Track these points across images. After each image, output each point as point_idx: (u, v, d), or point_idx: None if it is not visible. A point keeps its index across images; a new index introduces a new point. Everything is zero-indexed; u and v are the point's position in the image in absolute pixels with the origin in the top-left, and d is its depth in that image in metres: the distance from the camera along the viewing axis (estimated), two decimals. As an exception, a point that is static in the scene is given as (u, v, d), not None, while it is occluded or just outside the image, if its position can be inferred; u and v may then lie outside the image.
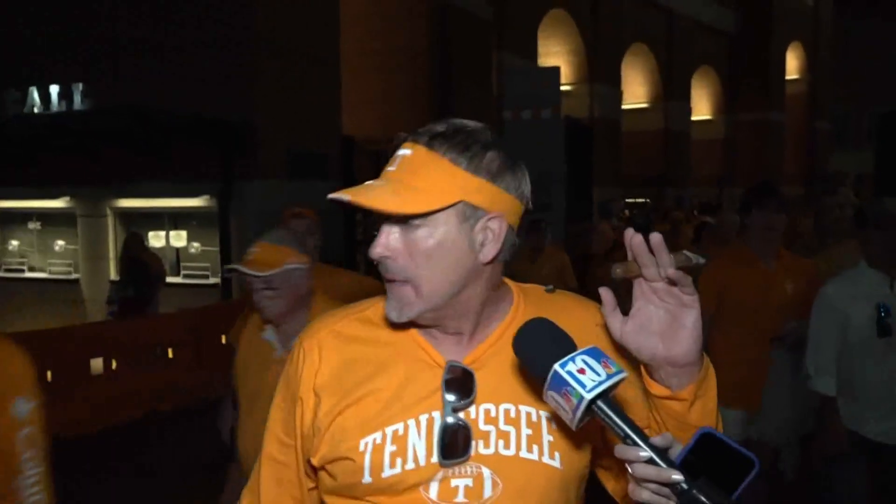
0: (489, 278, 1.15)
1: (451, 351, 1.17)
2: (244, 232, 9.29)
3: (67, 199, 11.13)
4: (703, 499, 0.85)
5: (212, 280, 10.34)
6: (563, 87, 11.61)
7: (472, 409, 1.13)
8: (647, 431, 1.22)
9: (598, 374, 0.91)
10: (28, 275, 11.90)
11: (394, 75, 13.50)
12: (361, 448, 1.13)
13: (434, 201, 1.09)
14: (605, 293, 1.03)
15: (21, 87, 10.37)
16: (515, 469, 1.11)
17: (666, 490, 0.88)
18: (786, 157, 26.80)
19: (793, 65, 28.36)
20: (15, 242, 12.15)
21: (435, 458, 1.10)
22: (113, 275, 10.76)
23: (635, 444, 0.90)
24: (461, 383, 1.13)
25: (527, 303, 1.23)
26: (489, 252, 1.12)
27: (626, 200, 18.49)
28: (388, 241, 1.12)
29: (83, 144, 9.68)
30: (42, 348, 6.22)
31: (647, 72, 22.91)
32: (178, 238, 10.63)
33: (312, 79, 10.03)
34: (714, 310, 3.45)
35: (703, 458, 0.89)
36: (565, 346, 0.96)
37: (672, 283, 0.98)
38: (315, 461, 1.19)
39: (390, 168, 1.13)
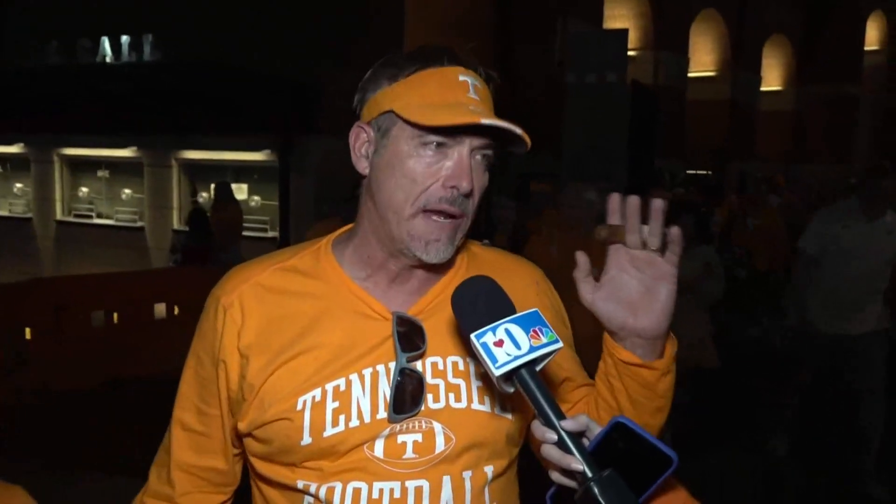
0: None
1: (395, 302, 1.10)
2: (304, 187, 9.43)
3: (135, 148, 11.45)
4: (598, 495, 0.79)
5: (270, 234, 10.56)
6: (628, 53, 11.32)
7: (419, 362, 1.07)
8: (579, 391, 1.19)
9: (518, 347, 0.85)
10: (96, 221, 12.34)
11: (454, 36, 13.37)
12: (299, 407, 1.04)
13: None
14: (581, 257, 1.00)
15: (93, 37, 10.64)
16: (468, 422, 1.07)
17: (571, 474, 0.84)
18: (860, 134, 25.72)
19: (873, 35, 27.04)
20: (84, 189, 12.59)
21: (381, 414, 1.04)
22: (176, 224, 11.07)
23: (548, 423, 0.85)
24: (409, 336, 1.07)
25: (469, 256, 1.18)
26: None
27: (687, 172, 18.07)
28: (473, 173, 1.04)
29: (151, 95, 9.91)
30: (110, 290, 6.48)
31: (715, 39, 22.14)
32: (240, 191, 10.87)
33: (374, 35, 10.02)
34: None
35: (618, 449, 0.83)
36: (496, 310, 0.90)
37: (663, 246, 0.95)
38: (242, 426, 1.09)
39: (474, 95, 1.05)
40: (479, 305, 0.91)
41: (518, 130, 1.00)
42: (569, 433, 0.84)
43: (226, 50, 9.35)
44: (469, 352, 1.07)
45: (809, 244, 4.34)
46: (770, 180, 10.87)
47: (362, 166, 1.10)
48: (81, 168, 12.55)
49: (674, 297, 0.98)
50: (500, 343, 0.86)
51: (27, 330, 5.94)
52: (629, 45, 13.52)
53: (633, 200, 0.95)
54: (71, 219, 12.56)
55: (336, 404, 1.04)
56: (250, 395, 1.07)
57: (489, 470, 1.09)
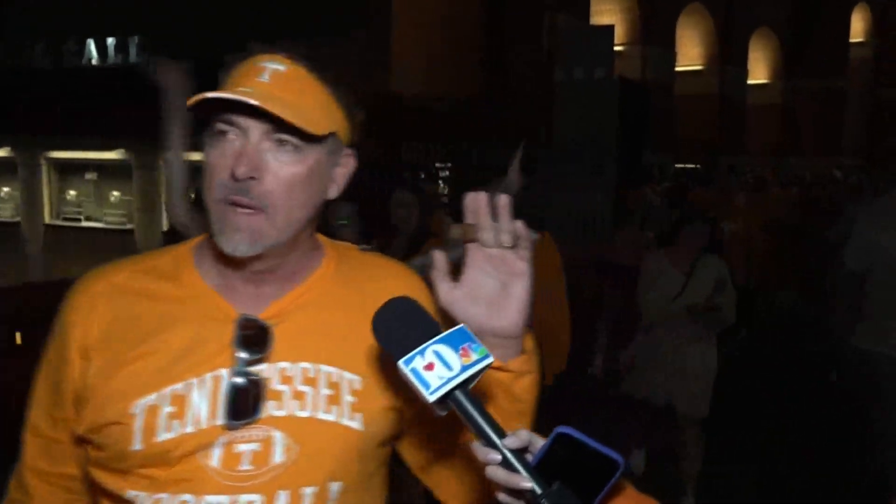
0: (317, 219, 1.09)
1: (249, 304, 1.05)
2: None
3: (122, 151, 11.39)
4: None
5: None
6: (615, 48, 11.35)
7: (267, 367, 1.02)
8: None
9: (450, 369, 0.82)
10: (84, 224, 12.27)
11: (444, 34, 13.37)
12: (134, 410, 0.99)
13: (322, 125, 1.00)
14: (439, 255, 0.97)
15: (79, 40, 10.57)
16: (311, 431, 1.01)
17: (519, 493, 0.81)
18: (847, 127, 25.88)
19: (858, 27, 27.23)
20: (72, 192, 12.52)
21: (219, 420, 0.99)
22: (166, 226, 11.02)
23: (490, 444, 0.81)
24: (256, 339, 1.02)
25: (340, 259, 1.14)
26: (335, 190, 1.07)
27: (676, 166, 18.14)
28: (259, 159, 0.98)
29: (138, 97, 9.87)
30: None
31: (702, 33, 22.23)
32: (229, 192, 10.82)
33: (363, 34, 10.01)
34: None
35: (563, 460, 0.80)
36: (421, 331, 0.85)
37: (512, 244, 0.93)
38: (80, 430, 1.04)
39: (260, 79, 1.00)
40: (402, 328, 0.86)
41: (264, 107, 0.94)
42: (513, 451, 0.81)
43: (214, 49, 9.32)
44: (322, 358, 1.05)
45: (853, 259, 3.57)
46: (749, 174, 10.48)
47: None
48: (69, 171, 12.48)
49: (529, 295, 0.96)
50: (430, 366, 0.82)
51: (17, 335, 5.90)
52: (616, 41, 13.59)
53: (481, 198, 0.93)
54: (59, 222, 12.48)
55: (172, 409, 0.99)
56: (91, 397, 1.03)
57: (335, 486, 1.04)
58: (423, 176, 10.79)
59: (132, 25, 10.31)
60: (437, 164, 11.06)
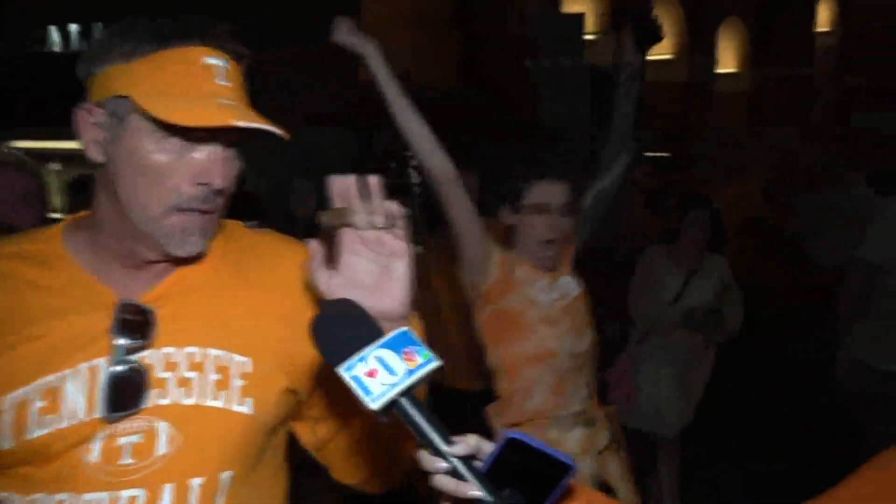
0: None
1: (129, 288, 1.01)
2: (259, 180, 9.33)
3: (87, 140, 11.25)
4: None
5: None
6: (586, 37, 11.37)
7: (150, 354, 0.98)
8: None
9: (393, 374, 0.79)
10: (49, 214, 12.07)
11: (412, 22, 13.27)
12: (2, 407, 0.94)
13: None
14: (313, 245, 0.95)
15: (41, 27, 10.35)
16: (197, 419, 0.98)
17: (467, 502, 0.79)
18: (813, 115, 26.19)
19: (824, 16, 27.54)
20: (36, 182, 12.31)
21: (98, 413, 0.94)
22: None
23: (436, 452, 0.79)
24: (137, 324, 0.98)
25: (227, 238, 1.10)
26: None
27: (645, 154, 18.23)
28: (231, 170, 0.98)
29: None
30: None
31: (672, 22, 22.35)
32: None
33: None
34: None
35: (514, 466, 0.78)
36: (362, 335, 0.82)
37: (387, 224, 0.91)
38: None
39: (219, 82, 0.96)
40: (341, 333, 0.83)
41: (277, 130, 0.93)
42: (460, 459, 0.79)
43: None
44: (209, 341, 1.02)
45: (876, 251, 3.06)
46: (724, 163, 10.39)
47: (94, 153, 1.02)
48: (33, 160, 12.25)
49: (410, 274, 0.95)
50: (372, 373, 0.79)
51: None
52: (588, 30, 13.61)
53: (350, 180, 0.92)
54: (23, 213, 12.27)
55: (43, 403, 0.94)
56: None
57: (225, 476, 1.00)
58: (393, 165, 10.74)
59: (95, 12, 10.12)
60: (407, 153, 11.02)
